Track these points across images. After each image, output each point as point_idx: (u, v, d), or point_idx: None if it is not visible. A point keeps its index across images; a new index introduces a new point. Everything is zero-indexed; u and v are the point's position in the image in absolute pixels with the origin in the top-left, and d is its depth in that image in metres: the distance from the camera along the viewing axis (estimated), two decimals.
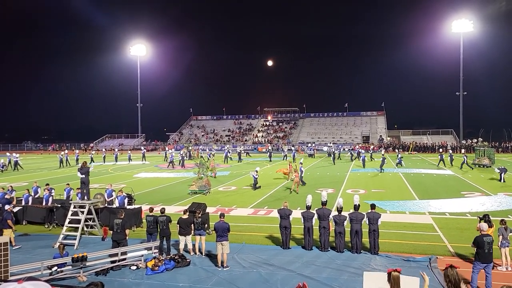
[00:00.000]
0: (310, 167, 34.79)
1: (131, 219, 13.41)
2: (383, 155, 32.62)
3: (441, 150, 37.65)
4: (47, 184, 16.68)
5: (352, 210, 11.24)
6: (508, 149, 52.62)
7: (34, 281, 3.90)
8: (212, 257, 10.37)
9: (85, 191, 13.07)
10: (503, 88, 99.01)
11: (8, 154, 39.21)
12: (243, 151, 47.27)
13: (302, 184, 22.37)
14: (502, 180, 23.50)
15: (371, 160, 39.44)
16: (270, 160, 41.02)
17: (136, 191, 18.95)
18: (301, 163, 24.33)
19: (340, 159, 38.12)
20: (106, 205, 14.63)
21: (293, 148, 50.14)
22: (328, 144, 50.96)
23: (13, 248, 11.37)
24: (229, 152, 43.71)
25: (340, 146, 57.84)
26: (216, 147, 58.92)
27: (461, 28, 60.80)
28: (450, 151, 35.46)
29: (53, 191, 15.79)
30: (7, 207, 12.34)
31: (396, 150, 39.83)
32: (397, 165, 33.90)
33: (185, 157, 39.78)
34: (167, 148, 52.97)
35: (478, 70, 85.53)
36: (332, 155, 39.48)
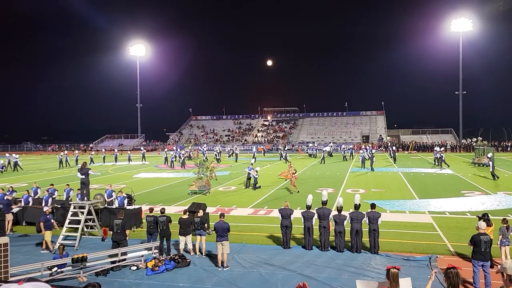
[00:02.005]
0: (310, 167, 34.80)
1: (131, 219, 13.41)
2: (372, 154, 32.58)
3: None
4: (52, 185, 16.66)
5: (352, 210, 11.24)
6: (507, 148, 52.64)
7: (35, 282, 3.90)
8: (212, 257, 10.37)
9: (85, 191, 13.07)
10: (503, 88, 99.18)
11: (7, 154, 39.20)
12: (237, 151, 46.57)
13: (253, 188, 21.88)
14: (494, 177, 23.72)
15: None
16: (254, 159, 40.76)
17: (136, 191, 18.95)
18: (252, 164, 24.17)
19: (324, 163, 37.22)
20: (106, 205, 14.62)
21: (282, 147, 49.63)
22: (330, 144, 50.93)
23: (51, 252, 11.28)
24: (218, 152, 42.89)
25: (339, 146, 57.82)
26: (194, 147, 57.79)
27: (461, 27, 60.81)
28: (440, 149, 35.76)
29: (56, 192, 15.79)
30: (45, 208, 12.24)
31: (390, 149, 40.06)
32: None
33: (185, 157, 39.80)
34: (166, 149, 52.41)
35: (478, 69, 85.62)
36: (331, 155, 39.52)
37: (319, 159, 42.58)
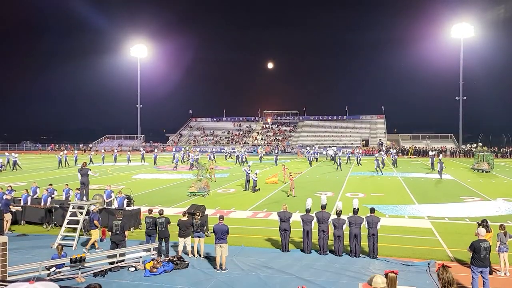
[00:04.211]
0: (310, 170, 34.79)
1: (130, 220, 13.38)
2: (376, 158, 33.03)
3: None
4: (50, 185, 16.66)
5: (351, 214, 11.24)
6: (507, 154, 52.66)
7: (44, 281, 3.94)
8: (210, 259, 10.36)
9: (84, 191, 13.06)
10: (503, 94, 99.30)
11: (7, 154, 39.13)
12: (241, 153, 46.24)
13: (253, 190, 21.89)
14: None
15: (359, 164, 38.96)
16: (237, 163, 40.70)
17: (135, 192, 18.92)
18: (249, 166, 24.14)
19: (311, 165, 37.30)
20: (105, 206, 14.60)
21: (262, 150, 49.08)
22: (333, 148, 50.90)
23: (96, 250, 11.20)
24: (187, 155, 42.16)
25: (339, 150, 57.72)
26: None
27: (461, 33, 60.94)
28: (383, 153, 36.57)
29: (55, 192, 15.78)
30: (92, 207, 12.30)
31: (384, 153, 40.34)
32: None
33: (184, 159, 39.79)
34: (156, 151, 51.05)
35: (478, 75, 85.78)
36: (333, 159, 39.42)
37: (317, 163, 42.58)
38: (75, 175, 14.47)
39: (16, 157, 36.83)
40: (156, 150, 49.83)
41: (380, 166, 31.70)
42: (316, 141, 67.74)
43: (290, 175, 21.77)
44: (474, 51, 67.79)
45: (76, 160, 38.99)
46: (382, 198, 19.85)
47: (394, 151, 42.06)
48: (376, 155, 36.96)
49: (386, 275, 4.94)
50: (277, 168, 31.18)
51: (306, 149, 55.61)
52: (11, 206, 13.90)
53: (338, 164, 34.84)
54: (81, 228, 12.50)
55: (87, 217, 12.48)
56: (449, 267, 5.01)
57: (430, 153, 36.24)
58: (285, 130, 74.69)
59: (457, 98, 63.02)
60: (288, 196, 20.47)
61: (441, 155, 35.62)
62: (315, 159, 45.64)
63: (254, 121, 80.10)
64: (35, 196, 16.20)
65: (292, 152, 61.29)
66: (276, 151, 46.79)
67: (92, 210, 12.08)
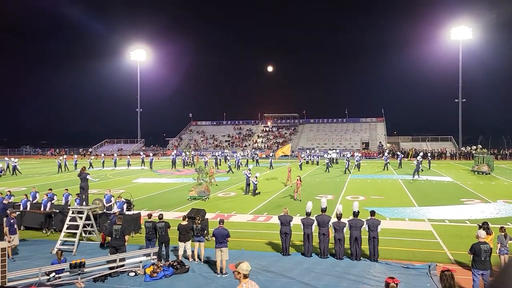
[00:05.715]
0: (309, 173, 34.76)
1: (130, 225, 13.36)
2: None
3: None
4: (50, 189, 16.63)
5: (351, 217, 11.22)
6: (507, 156, 52.65)
7: (45, 287, 3.96)
8: (211, 263, 10.33)
9: (84, 196, 13.05)
10: (503, 95, 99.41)
11: (6, 158, 39.13)
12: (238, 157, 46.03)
13: (253, 194, 21.98)
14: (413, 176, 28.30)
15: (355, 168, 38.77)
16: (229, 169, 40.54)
17: (135, 196, 18.88)
18: (249, 169, 24.16)
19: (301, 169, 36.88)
20: (104, 210, 14.57)
21: (237, 154, 48.94)
22: (336, 151, 50.88)
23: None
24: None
25: (339, 152, 57.73)
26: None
27: (460, 35, 61.12)
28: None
29: (55, 197, 15.76)
30: (115, 210, 12.46)
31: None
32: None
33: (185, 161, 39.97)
34: (151, 155, 50.91)
35: (477, 77, 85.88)
36: (336, 162, 39.65)
37: (316, 167, 42.54)
38: (75, 179, 14.49)
39: (15, 162, 36.81)
40: (151, 155, 50.19)
41: (349, 167, 34.16)
42: (316, 144, 67.77)
43: (297, 178, 21.41)
44: (473, 53, 67.92)
45: (75, 165, 38.97)
46: (383, 201, 19.83)
47: (387, 153, 41.92)
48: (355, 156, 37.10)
49: (387, 285, 4.91)
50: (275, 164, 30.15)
51: (306, 152, 55.61)
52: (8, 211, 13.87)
53: (327, 166, 35.95)
54: (81, 233, 12.49)
55: (93, 221, 12.54)
56: (453, 271, 4.96)
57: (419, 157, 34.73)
58: (285, 133, 74.74)
59: (456, 100, 63.13)
60: (299, 200, 20.02)
61: (420, 154, 35.76)
62: (316, 162, 45.64)
63: (254, 125, 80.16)
64: (34, 201, 16.15)
65: (292, 154, 61.30)
66: (271, 154, 46.75)
67: (115, 213, 12.28)
